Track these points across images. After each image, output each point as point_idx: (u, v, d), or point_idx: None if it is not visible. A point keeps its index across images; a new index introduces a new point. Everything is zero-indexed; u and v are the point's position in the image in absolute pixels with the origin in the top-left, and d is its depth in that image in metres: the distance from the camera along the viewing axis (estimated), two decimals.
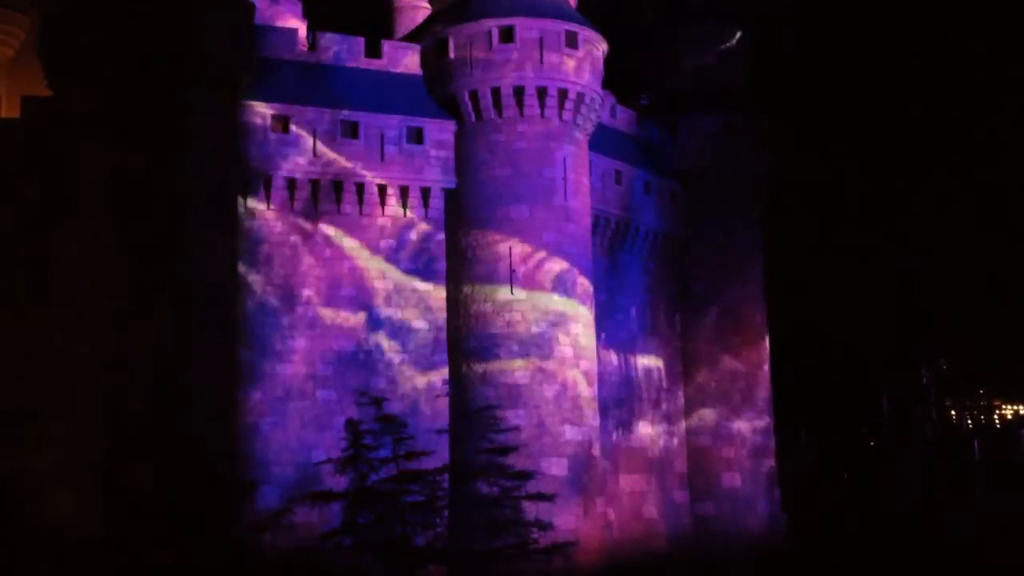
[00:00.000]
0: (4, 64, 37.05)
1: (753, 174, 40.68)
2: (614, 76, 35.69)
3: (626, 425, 36.43)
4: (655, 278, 39.20)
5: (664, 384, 38.83)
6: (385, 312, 31.45)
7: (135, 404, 25.45)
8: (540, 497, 28.09)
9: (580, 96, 32.21)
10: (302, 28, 34.44)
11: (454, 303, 31.88)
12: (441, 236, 32.43)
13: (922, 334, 60.91)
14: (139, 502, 24.80)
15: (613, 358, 36.32)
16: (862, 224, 60.12)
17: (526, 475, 28.56)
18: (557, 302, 31.09)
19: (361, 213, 31.52)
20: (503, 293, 30.95)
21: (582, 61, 32.35)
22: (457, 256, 31.97)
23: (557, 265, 31.30)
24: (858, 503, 51.50)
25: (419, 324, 31.82)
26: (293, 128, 30.73)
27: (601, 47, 33.42)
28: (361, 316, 31.17)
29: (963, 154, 57.31)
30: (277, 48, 31.39)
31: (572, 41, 32.14)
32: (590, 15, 33.98)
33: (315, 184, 30.95)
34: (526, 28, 31.66)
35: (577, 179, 32.40)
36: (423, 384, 31.46)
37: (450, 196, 32.37)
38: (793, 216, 53.75)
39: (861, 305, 58.96)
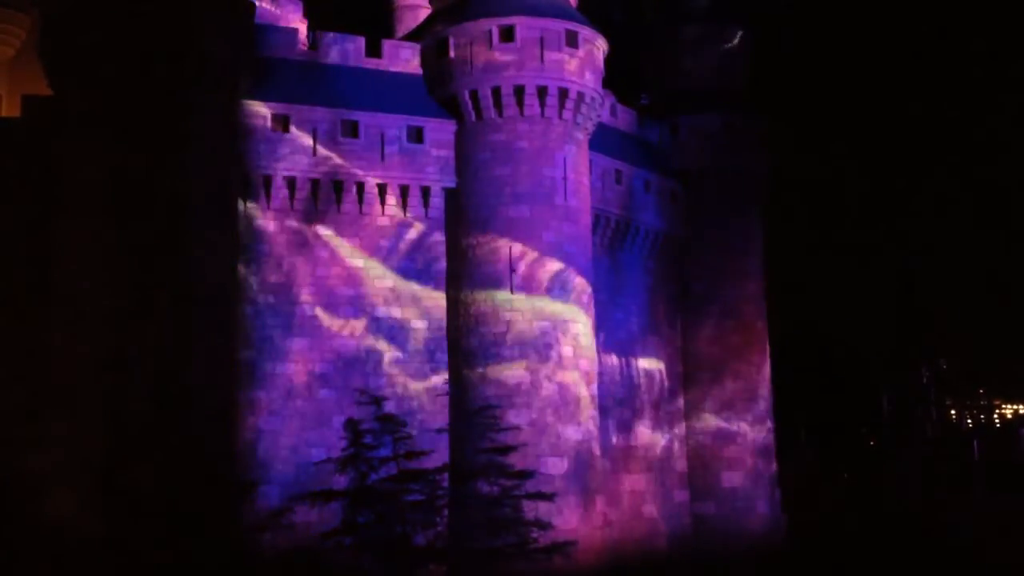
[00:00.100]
0: (4, 64, 37.07)
1: (753, 174, 40.67)
2: (614, 76, 35.68)
3: (626, 424, 36.40)
4: (655, 278, 39.18)
5: (664, 384, 38.80)
6: (385, 312, 31.42)
7: (135, 404, 25.41)
8: (540, 496, 28.02)
9: (580, 95, 32.19)
10: (302, 28, 34.52)
11: (454, 303, 31.86)
12: (441, 236, 32.41)
13: (922, 334, 60.97)
14: (139, 502, 24.75)
15: (613, 358, 36.28)
16: (862, 224, 60.19)
17: (526, 474, 28.47)
18: (557, 302, 31.10)
19: (361, 213, 31.49)
20: (503, 293, 30.95)
21: (582, 61, 32.34)
22: (457, 256, 31.95)
23: (557, 265, 31.28)
24: (858, 503, 51.46)
25: (419, 324, 31.80)
26: (293, 128, 30.72)
27: (601, 47, 33.41)
28: (361, 316, 31.15)
29: (963, 154, 57.39)
30: (277, 48, 31.38)
31: (572, 40, 32.13)
32: (590, 15, 33.98)
33: (315, 184, 30.93)
34: (526, 27, 31.65)
35: (577, 179, 32.39)
36: (423, 383, 31.44)
37: (450, 196, 32.35)
38: (793, 216, 53.80)
39: (861, 305, 59.00)
